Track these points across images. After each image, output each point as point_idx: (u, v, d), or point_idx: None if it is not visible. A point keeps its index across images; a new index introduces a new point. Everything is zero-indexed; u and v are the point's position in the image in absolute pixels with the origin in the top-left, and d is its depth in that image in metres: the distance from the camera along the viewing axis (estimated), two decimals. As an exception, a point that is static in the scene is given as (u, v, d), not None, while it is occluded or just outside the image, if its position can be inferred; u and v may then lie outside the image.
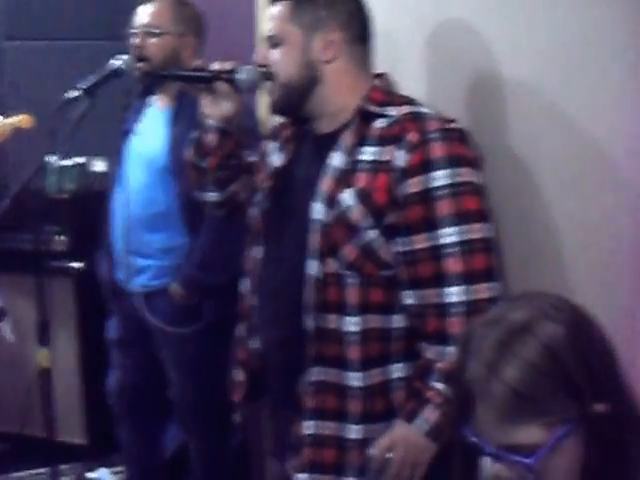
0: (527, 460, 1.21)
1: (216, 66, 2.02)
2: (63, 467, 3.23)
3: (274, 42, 1.95)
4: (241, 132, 2.12)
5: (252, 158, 2.19)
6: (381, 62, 2.04)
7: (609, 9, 1.71)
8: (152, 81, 2.83)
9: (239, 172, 2.16)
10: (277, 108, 2.03)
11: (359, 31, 1.97)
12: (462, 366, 1.29)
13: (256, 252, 2.07)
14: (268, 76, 1.97)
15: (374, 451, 1.86)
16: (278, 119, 2.17)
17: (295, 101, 1.96)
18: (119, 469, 3.58)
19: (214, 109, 2.04)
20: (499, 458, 1.24)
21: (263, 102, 2.46)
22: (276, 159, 2.08)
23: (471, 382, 1.26)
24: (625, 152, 1.71)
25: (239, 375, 2.16)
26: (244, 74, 2.00)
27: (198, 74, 2.05)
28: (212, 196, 2.19)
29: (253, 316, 2.10)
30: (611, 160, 1.76)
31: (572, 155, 1.85)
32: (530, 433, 1.22)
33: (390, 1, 2.32)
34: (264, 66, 1.97)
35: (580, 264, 1.86)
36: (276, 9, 1.97)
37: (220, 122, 2.06)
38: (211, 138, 2.09)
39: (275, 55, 1.95)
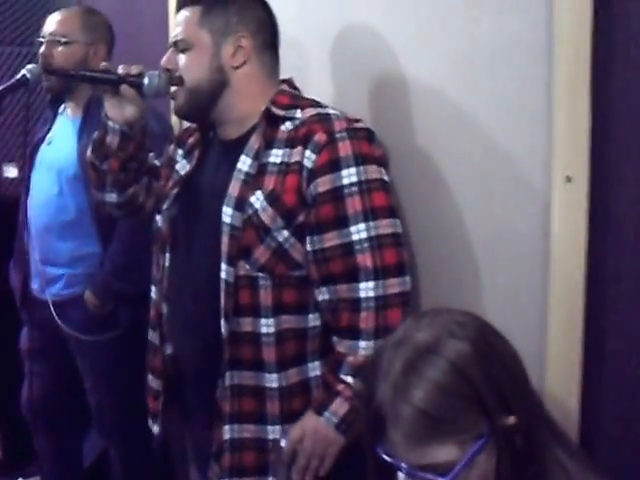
0: (443, 479, 1.22)
1: (122, 69, 2.00)
2: None
3: (183, 47, 1.95)
4: (144, 136, 2.11)
5: (156, 162, 2.19)
6: (287, 66, 2.06)
7: (510, 14, 1.76)
8: (59, 82, 2.78)
9: (140, 175, 2.15)
10: (183, 113, 2.03)
11: (268, 38, 1.99)
12: (371, 388, 1.29)
13: (163, 260, 2.07)
14: (175, 81, 1.97)
15: (284, 443, 1.88)
16: (185, 125, 2.17)
17: (202, 106, 1.97)
18: (37, 480, 3.55)
19: (117, 112, 2.03)
20: (414, 477, 1.24)
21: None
22: (182, 166, 2.09)
23: (380, 404, 1.26)
24: (528, 152, 1.75)
25: (154, 383, 2.15)
26: (150, 79, 1.99)
27: (105, 76, 2.02)
28: (110, 197, 2.17)
29: (164, 324, 2.09)
30: (514, 160, 1.80)
31: (476, 155, 1.88)
32: (444, 452, 1.22)
33: (295, 6, 2.34)
34: (170, 70, 1.97)
35: (486, 264, 1.89)
36: (185, 14, 1.97)
37: (123, 125, 2.05)
38: (112, 140, 2.07)
39: (183, 60, 1.95)
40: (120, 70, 2.00)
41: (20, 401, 3.13)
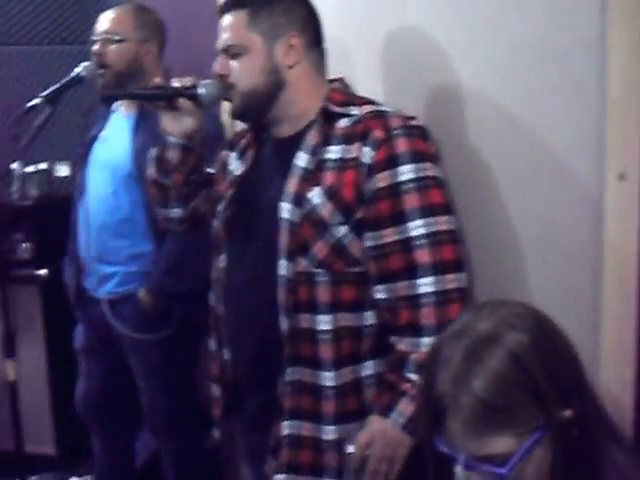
0: (500, 470, 1.23)
1: (176, 83, 2.00)
2: (33, 478, 3.22)
3: (234, 52, 1.95)
4: (203, 147, 2.11)
5: (210, 170, 2.19)
6: (334, 66, 2.06)
7: (562, 13, 1.77)
8: (114, 80, 2.79)
9: (201, 187, 2.16)
10: (239, 115, 2.03)
11: (314, 35, 1.99)
12: (431, 378, 1.30)
13: (219, 262, 2.08)
14: (229, 87, 1.96)
15: (352, 448, 1.86)
16: (236, 126, 2.16)
17: (259, 107, 1.97)
18: (89, 478, 3.54)
19: (176, 126, 2.03)
20: (471, 468, 1.25)
21: (226, 108, 2.46)
22: (236, 167, 2.09)
23: (441, 394, 1.28)
24: (580, 150, 1.76)
25: (215, 391, 2.15)
26: (205, 89, 1.99)
27: (159, 92, 2.02)
28: (175, 212, 2.18)
29: (221, 326, 2.09)
30: (565, 158, 1.81)
31: (527, 153, 1.91)
32: (501, 443, 1.24)
33: (340, 6, 2.33)
34: (223, 76, 1.97)
35: (537, 262, 1.91)
36: (231, 19, 1.96)
37: (182, 138, 2.05)
38: (173, 155, 2.07)
39: (237, 65, 1.95)
40: (174, 84, 2.00)
41: (74, 399, 3.16)
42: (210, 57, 2.02)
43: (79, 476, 3.67)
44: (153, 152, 2.13)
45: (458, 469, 1.27)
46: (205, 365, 2.24)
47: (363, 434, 1.86)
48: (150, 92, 2.07)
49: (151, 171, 2.15)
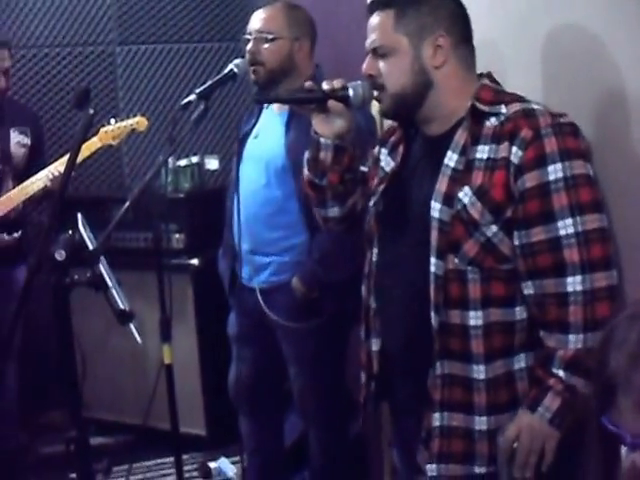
0: None
1: (326, 85, 2.05)
2: (185, 457, 3.31)
3: (382, 53, 1.97)
4: (355, 146, 2.15)
5: (364, 168, 2.23)
6: (484, 67, 2.05)
7: None
8: (266, 77, 2.87)
9: (356, 185, 2.20)
10: (389, 115, 2.07)
11: (462, 33, 1.99)
12: (604, 357, 1.31)
13: (371, 255, 2.12)
14: (378, 88, 1.99)
15: (500, 442, 1.90)
16: (386, 123, 2.19)
17: (409, 107, 1.99)
18: (238, 459, 3.65)
19: (327, 127, 2.08)
20: (637, 447, 1.26)
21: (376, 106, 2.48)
22: (387, 163, 2.12)
23: (613, 373, 1.28)
24: None
25: (362, 377, 2.20)
26: (355, 90, 2.02)
27: (309, 95, 2.08)
28: (333, 211, 2.22)
29: (370, 317, 2.14)
30: None
31: None
32: None
33: (490, 6, 2.31)
34: (372, 77, 1.99)
35: None
36: (378, 19, 1.98)
37: (334, 139, 2.10)
38: (326, 156, 2.12)
39: (384, 65, 1.97)
40: (324, 86, 2.05)
41: (227, 383, 3.27)
42: (356, 54, 2.05)
43: (228, 456, 3.83)
44: (307, 154, 2.19)
45: (624, 450, 1.29)
46: (356, 352, 2.29)
47: (511, 428, 1.89)
48: (301, 95, 2.13)
49: (306, 172, 2.21)
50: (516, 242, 1.89)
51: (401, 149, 2.09)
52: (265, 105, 3.05)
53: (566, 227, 1.84)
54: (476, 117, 1.93)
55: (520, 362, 1.93)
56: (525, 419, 1.88)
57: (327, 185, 2.17)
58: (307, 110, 2.13)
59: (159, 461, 3.89)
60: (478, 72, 2.03)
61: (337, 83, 2.04)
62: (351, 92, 2.03)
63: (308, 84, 2.11)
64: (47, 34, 4.29)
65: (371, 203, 2.12)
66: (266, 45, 2.89)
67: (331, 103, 2.05)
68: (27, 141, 3.72)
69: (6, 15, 4.25)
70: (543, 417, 1.86)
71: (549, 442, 1.87)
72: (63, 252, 2.08)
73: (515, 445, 1.88)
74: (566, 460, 1.85)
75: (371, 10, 2.00)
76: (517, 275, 1.91)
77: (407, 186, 2.05)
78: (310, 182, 2.21)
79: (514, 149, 1.86)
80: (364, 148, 2.27)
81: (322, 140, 2.11)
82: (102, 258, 2.19)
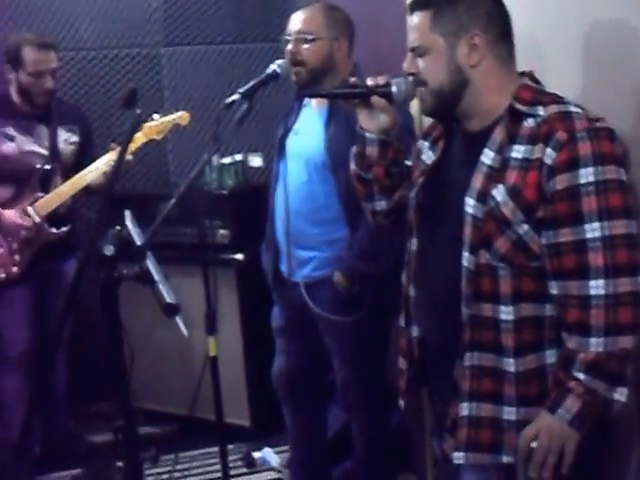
0: None
1: (370, 81, 2.11)
2: (230, 447, 3.36)
3: (420, 52, 2.01)
4: (400, 141, 2.20)
5: (408, 162, 2.28)
6: (524, 64, 2.06)
7: None
8: (307, 76, 2.93)
9: (402, 179, 2.25)
10: (430, 112, 2.10)
11: (500, 30, 2.00)
12: None
13: (411, 245, 2.17)
14: (420, 84, 2.03)
15: (520, 441, 1.92)
16: (425, 121, 2.21)
17: (447, 105, 2.03)
18: (282, 449, 3.77)
19: (372, 123, 2.15)
20: None
21: (415, 103, 2.49)
22: (428, 156, 2.16)
23: None
24: None
25: (402, 364, 2.25)
26: (398, 86, 2.08)
27: (354, 91, 2.13)
28: (380, 205, 2.28)
29: (411, 306, 2.19)
30: None
31: None
32: None
33: (531, 2, 2.32)
34: (413, 74, 2.03)
35: None
36: (416, 19, 2.02)
37: (379, 134, 2.16)
38: (372, 150, 2.19)
39: (422, 64, 2.01)
40: (369, 82, 2.10)
41: (271, 375, 3.33)
42: (395, 54, 2.08)
43: (272, 447, 3.90)
44: (354, 149, 2.24)
45: None
46: (395, 341, 2.34)
47: (529, 428, 1.91)
48: (345, 91, 2.19)
49: (353, 167, 2.27)
50: (544, 241, 1.90)
51: (441, 143, 2.13)
52: (305, 102, 3.11)
53: (593, 230, 1.85)
54: (514, 116, 1.95)
55: (552, 357, 1.94)
56: (545, 420, 1.89)
57: (374, 179, 2.23)
58: (351, 105, 2.18)
59: (204, 451, 3.97)
60: (520, 70, 2.04)
61: (381, 79, 2.10)
62: (394, 88, 2.08)
63: (352, 80, 2.17)
64: (95, 37, 4.40)
65: (412, 194, 2.16)
66: (306, 45, 2.95)
67: (374, 99, 2.10)
68: (75, 139, 3.83)
69: (57, 19, 4.35)
70: (563, 419, 1.87)
71: (568, 443, 1.88)
72: (112, 247, 2.13)
73: (533, 445, 1.89)
74: (586, 462, 1.89)
75: (411, 10, 2.04)
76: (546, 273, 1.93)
77: (445, 180, 2.09)
78: (357, 176, 2.27)
79: (548, 150, 1.87)
80: (406, 145, 2.31)
81: (368, 135, 2.17)
82: (149, 253, 2.23)
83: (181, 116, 3.60)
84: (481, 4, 1.99)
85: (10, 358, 3.79)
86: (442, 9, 1.98)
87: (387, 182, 2.24)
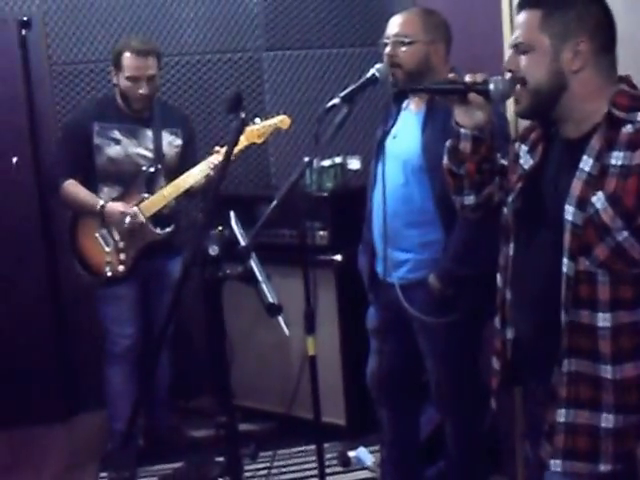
0: None
1: (468, 78, 2.12)
2: (326, 445, 3.35)
3: (523, 49, 2.01)
4: (493, 138, 2.22)
5: (503, 161, 2.29)
6: (622, 66, 2.05)
7: None
8: (406, 80, 2.95)
9: (493, 175, 2.26)
10: (526, 113, 2.10)
11: (605, 41, 1.99)
12: None
13: (508, 249, 2.17)
14: (518, 82, 2.03)
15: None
16: (520, 124, 2.20)
17: (543, 107, 2.02)
18: (376, 448, 3.77)
19: (467, 118, 2.16)
20: None
21: (510, 104, 2.48)
22: (526, 161, 2.16)
23: None
24: None
25: (495, 364, 2.26)
26: (495, 85, 2.09)
27: (453, 87, 2.15)
28: (469, 199, 2.29)
29: (507, 309, 2.20)
30: None
31: None
32: None
33: (629, 4, 2.30)
34: (512, 71, 2.04)
35: None
36: (525, 16, 2.02)
37: (473, 130, 2.17)
38: (465, 145, 2.20)
39: (524, 61, 2.02)
40: (467, 79, 2.12)
41: (366, 375, 3.37)
42: (491, 57, 2.08)
43: (367, 446, 3.93)
44: (448, 143, 2.26)
45: None
46: (489, 342, 2.33)
47: None
48: (444, 87, 2.20)
49: (446, 161, 2.29)
50: None
51: (540, 148, 2.12)
52: (404, 106, 3.14)
53: None
54: (612, 123, 1.93)
55: None
56: None
57: (465, 174, 2.24)
58: (449, 101, 2.19)
59: (301, 449, 4.02)
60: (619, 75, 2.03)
61: (479, 77, 2.11)
62: (492, 86, 2.09)
63: (451, 76, 2.18)
64: (199, 42, 4.51)
65: (510, 199, 2.17)
66: (403, 48, 2.97)
67: (472, 96, 2.12)
68: (179, 142, 3.93)
69: (162, 25, 4.49)
70: None
71: None
72: (216, 247, 2.19)
73: None
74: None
75: (520, 7, 2.04)
76: None
77: (544, 186, 2.08)
78: (449, 170, 2.29)
79: None
80: (499, 147, 2.31)
81: (462, 130, 2.18)
82: (253, 254, 2.28)
83: (282, 120, 3.66)
84: (592, 13, 1.98)
85: (115, 353, 3.93)
86: (553, 11, 1.98)
87: (477, 178, 2.25)
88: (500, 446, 3.43)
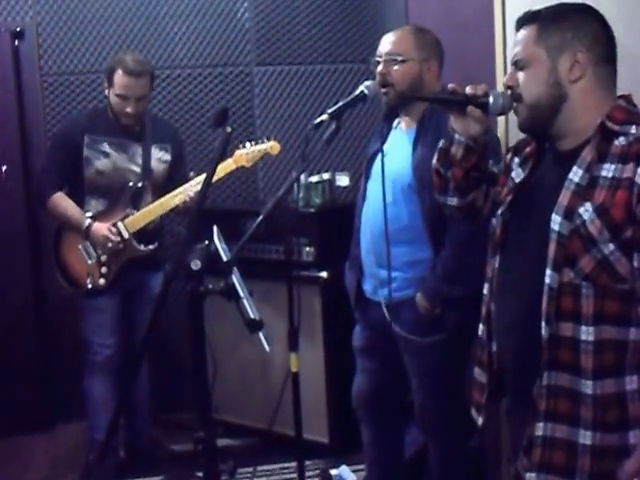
0: None
1: (469, 90, 2.11)
2: (307, 463, 3.36)
3: (521, 65, 2.02)
4: (486, 148, 2.21)
5: (494, 169, 2.28)
6: (622, 79, 2.05)
7: None
8: (405, 102, 2.96)
9: (480, 182, 2.25)
10: (526, 127, 2.09)
11: (604, 52, 2.00)
12: None
13: (494, 261, 2.16)
14: (516, 98, 2.04)
15: (621, 475, 1.87)
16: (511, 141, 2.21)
17: (543, 120, 2.02)
18: (359, 467, 3.73)
19: (463, 127, 2.15)
20: None
21: (501, 119, 2.47)
22: (517, 174, 2.15)
23: None
24: None
25: (481, 376, 2.23)
26: (495, 98, 2.08)
27: (452, 98, 2.14)
28: (452, 201, 2.28)
29: (492, 320, 2.18)
30: None
31: None
32: None
33: (628, 15, 2.30)
34: (511, 87, 2.05)
35: None
36: (523, 33, 2.03)
37: (467, 139, 2.16)
38: (457, 151, 2.19)
39: (522, 77, 2.02)
40: (468, 90, 2.11)
41: (351, 394, 3.35)
42: (482, 77, 2.08)
43: (349, 464, 3.86)
44: (440, 143, 2.25)
45: None
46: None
47: (631, 462, 1.86)
48: (443, 97, 2.19)
49: (435, 160, 2.27)
50: (635, 264, 1.88)
51: (531, 162, 2.12)
52: (394, 125, 3.14)
53: None
54: (605, 135, 1.93)
55: (633, 383, 1.90)
56: None
57: (451, 177, 2.23)
58: (447, 110, 2.19)
59: (282, 465, 3.98)
60: (620, 94, 2.03)
61: (480, 89, 2.10)
62: (491, 99, 2.08)
63: (451, 86, 2.16)
64: (190, 56, 4.51)
65: (499, 212, 2.16)
66: (396, 67, 2.97)
67: (470, 109, 2.11)
68: (167, 157, 3.92)
69: (154, 38, 4.48)
70: None
71: None
72: (199, 262, 2.18)
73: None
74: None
75: (519, 25, 2.06)
76: (634, 296, 1.89)
77: (533, 198, 2.08)
78: (437, 170, 2.28)
79: (639, 170, 1.86)
80: (493, 159, 2.31)
81: (456, 136, 2.17)
82: (235, 269, 2.27)
83: (272, 146, 3.68)
84: (588, 24, 1.99)
85: (96, 362, 3.92)
86: (549, 24, 1.99)
87: (463, 183, 2.24)
88: (486, 464, 3.41)
